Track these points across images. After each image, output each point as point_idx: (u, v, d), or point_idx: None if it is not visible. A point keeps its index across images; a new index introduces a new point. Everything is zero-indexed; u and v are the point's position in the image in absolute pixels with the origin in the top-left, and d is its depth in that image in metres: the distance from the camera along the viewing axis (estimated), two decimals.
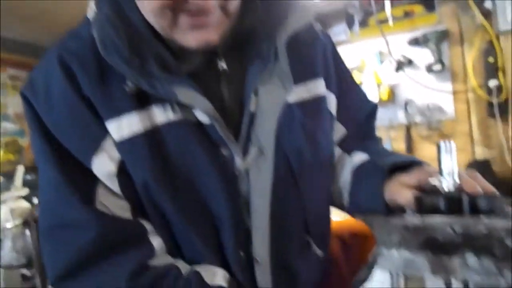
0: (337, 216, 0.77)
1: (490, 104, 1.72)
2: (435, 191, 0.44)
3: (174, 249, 0.52)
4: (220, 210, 0.50)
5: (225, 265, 0.51)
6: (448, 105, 1.85)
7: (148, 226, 0.50)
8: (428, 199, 0.43)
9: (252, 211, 0.51)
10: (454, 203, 0.42)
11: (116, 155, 0.48)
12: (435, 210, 0.42)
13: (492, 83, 1.70)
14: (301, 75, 0.57)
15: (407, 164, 0.53)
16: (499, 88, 1.70)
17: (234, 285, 0.50)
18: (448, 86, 1.84)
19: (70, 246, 0.47)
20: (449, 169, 0.44)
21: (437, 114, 1.85)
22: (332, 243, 0.73)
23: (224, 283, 0.49)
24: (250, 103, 0.51)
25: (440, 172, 0.44)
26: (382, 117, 1.90)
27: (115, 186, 0.48)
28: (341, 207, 0.64)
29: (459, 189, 0.43)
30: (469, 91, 1.79)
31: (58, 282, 0.48)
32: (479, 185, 0.44)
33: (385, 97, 1.91)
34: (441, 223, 0.39)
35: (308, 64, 0.59)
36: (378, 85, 1.93)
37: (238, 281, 0.51)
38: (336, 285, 0.69)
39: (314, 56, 0.60)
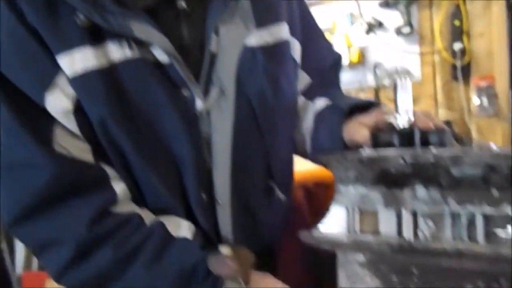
0: (302, 167, 0.79)
1: (454, 67, 1.77)
2: (390, 127, 0.45)
3: (136, 195, 0.51)
4: (181, 151, 0.50)
5: (187, 208, 0.52)
6: (415, 68, 1.89)
7: (110, 171, 0.49)
8: (383, 135, 0.44)
9: (213, 152, 0.51)
10: (407, 138, 0.43)
11: (71, 91, 0.46)
12: (389, 145, 0.44)
13: (457, 46, 1.74)
14: (264, 18, 0.56)
15: (366, 105, 0.54)
16: (463, 51, 1.74)
17: (200, 236, 0.51)
18: (416, 49, 1.87)
19: (24, 187, 0.46)
20: (405, 107, 0.46)
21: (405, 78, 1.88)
22: (296, 192, 0.75)
23: (189, 235, 0.50)
24: (211, 42, 0.50)
25: (396, 109, 0.45)
26: (352, 80, 1.92)
27: (73, 125, 0.47)
28: (304, 154, 0.66)
29: (413, 125, 0.45)
30: (435, 53, 1.83)
31: (14, 225, 0.47)
32: (432, 122, 0.46)
33: (355, 59, 1.93)
34: (393, 154, 0.41)
35: (272, 7, 0.57)
36: (349, 48, 1.94)
37: (203, 230, 0.52)
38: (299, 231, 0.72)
39: (278, 0, 0.59)
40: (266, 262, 0.60)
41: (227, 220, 0.53)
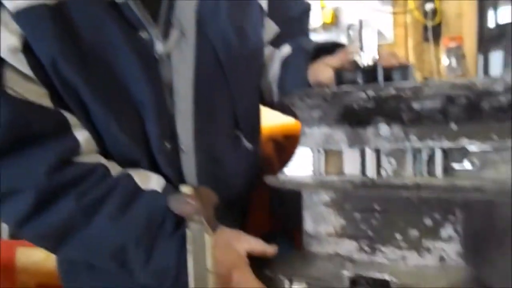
0: (271, 120, 0.79)
1: (426, 28, 1.78)
2: (354, 65, 0.45)
3: (99, 147, 0.49)
4: (141, 96, 0.47)
5: (150, 157, 0.50)
6: (387, 29, 1.88)
7: (71, 118, 0.46)
8: (347, 73, 0.44)
9: (175, 97, 0.49)
10: (370, 75, 0.43)
11: (16, 27, 0.43)
12: (353, 82, 0.43)
13: (428, 6, 1.74)
14: None
15: (331, 47, 0.53)
16: (434, 12, 1.75)
17: (169, 190, 0.49)
18: (389, 9, 1.86)
19: None
20: (369, 45, 0.45)
21: (377, 39, 1.88)
22: (266, 145, 0.75)
23: (158, 188, 0.48)
24: None
25: (361, 47, 0.45)
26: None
27: (24, 66, 0.44)
28: (271, 104, 0.65)
29: (376, 63, 0.44)
30: (407, 13, 1.83)
31: None
32: (396, 60, 0.45)
33: (328, 20, 1.90)
34: (356, 88, 0.40)
35: None
36: (322, 9, 1.91)
37: (167, 180, 0.50)
38: None
39: None
40: (235, 212, 0.60)
41: (192, 169, 0.52)
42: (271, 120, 0.77)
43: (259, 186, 0.67)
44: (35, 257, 1.40)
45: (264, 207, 0.65)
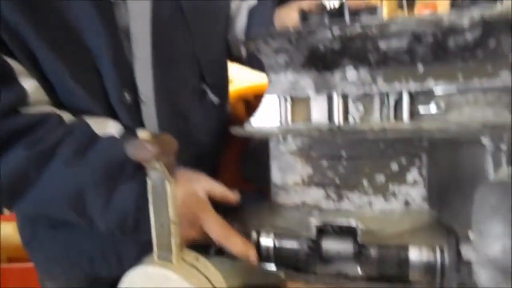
0: (242, 82, 0.77)
1: None
2: (321, 8, 0.43)
3: (53, 99, 0.45)
4: (96, 42, 0.44)
5: (109, 110, 0.47)
6: None
7: (16, 65, 0.42)
8: (313, 14, 0.42)
9: (132, 42, 0.46)
10: (337, 17, 0.41)
11: None
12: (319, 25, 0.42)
13: None
14: None
15: None
16: None
17: (127, 135, 0.46)
18: None
19: None
20: None
21: None
22: (237, 105, 0.73)
23: (115, 134, 0.45)
24: None
25: None
26: None
27: None
28: (239, 59, 0.62)
29: (343, 4, 0.42)
30: None
31: None
32: (364, 3, 0.44)
33: None
34: (321, 27, 0.38)
35: None
36: None
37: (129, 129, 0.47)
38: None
39: None
40: (203, 168, 0.58)
41: (154, 121, 0.49)
42: (242, 80, 0.75)
43: (229, 143, 0.66)
44: (4, 231, 1.35)
45: (233, 165, 0.64)
